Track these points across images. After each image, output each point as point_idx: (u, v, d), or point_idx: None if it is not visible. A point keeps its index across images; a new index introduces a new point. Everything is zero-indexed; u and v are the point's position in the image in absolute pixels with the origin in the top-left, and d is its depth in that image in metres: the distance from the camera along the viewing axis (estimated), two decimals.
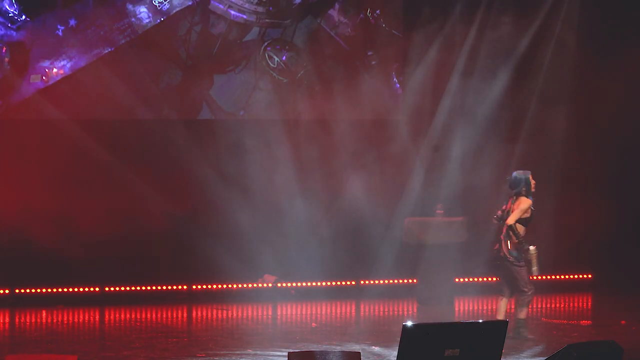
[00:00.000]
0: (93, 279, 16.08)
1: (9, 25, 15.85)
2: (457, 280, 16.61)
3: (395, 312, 16.26)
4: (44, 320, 15.13)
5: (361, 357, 7.98)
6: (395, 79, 17.31)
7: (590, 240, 16.77)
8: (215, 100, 16.81)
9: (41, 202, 15.46)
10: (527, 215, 12.52)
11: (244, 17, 16.68)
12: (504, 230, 12.55)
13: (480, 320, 7.55)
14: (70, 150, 15.96)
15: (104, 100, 16.17)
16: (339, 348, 12.25)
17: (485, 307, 16.53)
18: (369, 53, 17.19)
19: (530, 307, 13.08)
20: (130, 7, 16.32)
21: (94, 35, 16.18)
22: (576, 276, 17.66)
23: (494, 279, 17.16)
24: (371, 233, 16.57)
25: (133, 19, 16.32)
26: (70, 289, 16.08)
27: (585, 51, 16.91)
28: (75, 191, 15.70)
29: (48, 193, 15.48)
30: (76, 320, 15.25)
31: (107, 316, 15.40)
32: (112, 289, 16.22)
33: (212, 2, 16.54)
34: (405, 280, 16.94)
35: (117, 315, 15.48)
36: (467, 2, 16.95)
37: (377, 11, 17.11)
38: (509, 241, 12.47)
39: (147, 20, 16.37)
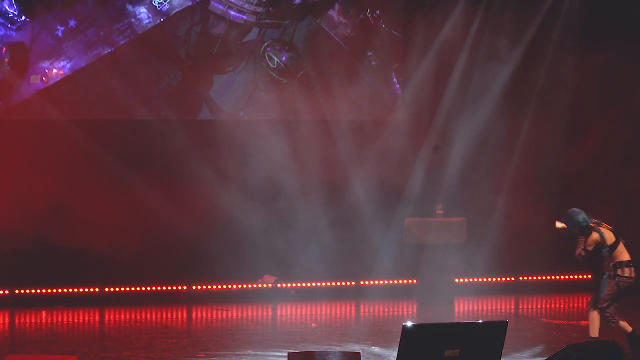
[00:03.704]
0: (93, 279, 16.09)
1: (9, 25, 15.85)
2: (457, 280, 16.61)
3: (395, 312, 16.26)
4: (44, 320, 15.13)
5: (361, 357, 7.98)
6: (395, 79, 17.31)
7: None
8: (215, 100, 16.81)
9: (41, 202, 15.46)
10: None
11: (244, 17, 16.68)
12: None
13: (480, 321, 7.55)
14: (69, 151, 15.96)
15: (103, 101, 16.18)
16: (339, 348, 12.25)
17: (485, 307, 16.53)
18: (369, 53, 17.19)
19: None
20: (130, 7, 16.32)
21: (94, 36, 16.18)
22: (576, 276, 17.65)
23: (494, 279, 17.22)
24: (371, 233, 16.57)
25: (133, 20, 16.32)
26: (70, 289, 16.09)
27: (585, 52, 16.90)
28: (75, 191, 15.68)
29: (48, 193, 15.47)
30: (76, 320, 15.25)
31: (107, 316, 15.40)
32: (112, 289, 16.22)
33: (211, 2, 16.54)
34: (405, 281, 16.94)
35: (117, 315, 15.48)
36: (467, 2, 16.95)
37: (377, 11, 17.11)
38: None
39: (147, 21, 16.37)
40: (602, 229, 11.76)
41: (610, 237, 11.74)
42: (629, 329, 11.84)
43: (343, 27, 17.09)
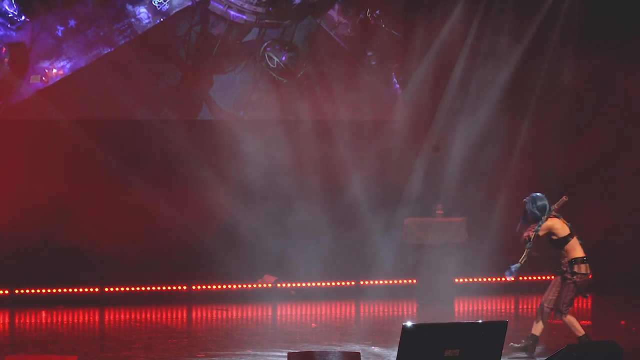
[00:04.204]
0: (93, 279, 16.09)
1: (9, 25, 15.85)
2: (457, 280, 16.61)
3: (395, 312, 16.26)
4: (43, 320, 15.13)
5: (361, 357, 7.97)
6: (395, 79, 17.31)
7: (590, 241, 16.73)
8: (215, 100, 16.81)
9: (40, 202, 15.46)
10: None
11: (244, 17, 16.68)
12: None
13: (480, 321, 7.55)
14: (69, 151, 15.96)
15: (103, 101, 16.18)
16: (339, 348, 12.25)
17: (485, 307, 16.53)
18: (369, 53, 17.19)
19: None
20: (129, 7, 16.31)
21: (94, 36, 16.18)
22: None
23: (494, 279, 17.21)
24: (371, 233, 16.57)
25: (133, 20, 16.31)
26: (70, 289, 16.09)
27: (585, 52, 16.90)
28: (75, 191, 15.69)
29: (47, 193, 15.48)
30: (76, 320, 15.25)
31: (107, 316, 15.40)
32: (112, 289, 16.22)
33: (211, 2, 16.54)
34: (405, 281, 16.94)
35: (117, 315, 15.48)
36: (467, 2, 16.96)
37: (377, 11, 17.11)
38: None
39: (147, 21, 16.37)
40: (558, 220, 11.74)
41: (564, 229, 11.74)
42: (538, 332, 11.89)
43: (343, 27, 17.09)
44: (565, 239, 11.70)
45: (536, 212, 11.71)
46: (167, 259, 16.31)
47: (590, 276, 11.86)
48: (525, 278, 17.34)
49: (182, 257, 16.37)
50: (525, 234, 11.68)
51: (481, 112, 16.97)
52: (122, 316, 15.47)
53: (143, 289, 16.33)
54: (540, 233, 11.64)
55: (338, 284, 16.92)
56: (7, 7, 15.80)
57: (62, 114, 15.89)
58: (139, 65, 16.19)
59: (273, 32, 16.90)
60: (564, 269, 11.73)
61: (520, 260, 11.65)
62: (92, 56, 16.19)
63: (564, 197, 11.82)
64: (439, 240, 15.99)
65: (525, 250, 11.63)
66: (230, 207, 16.18)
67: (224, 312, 15.77)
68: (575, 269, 11.70)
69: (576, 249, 11.73)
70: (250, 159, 16.28)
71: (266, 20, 16.77)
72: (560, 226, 11.72)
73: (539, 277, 17.27)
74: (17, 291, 15.93)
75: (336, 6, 17.04)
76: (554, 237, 11.72)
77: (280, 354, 12.00)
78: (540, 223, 11.63)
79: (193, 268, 16.42)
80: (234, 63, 16.80)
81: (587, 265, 11.77)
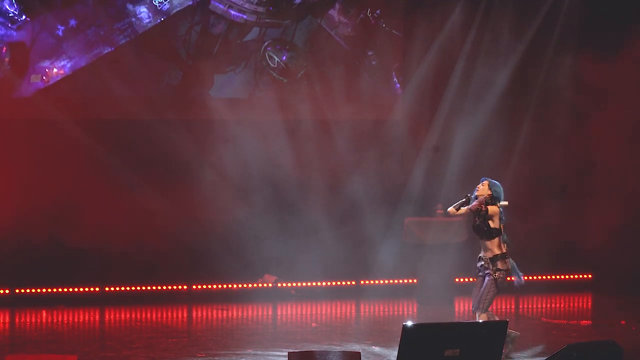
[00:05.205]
0: (93, 279, 16.09)
1: (9, 25, 15.85)
2: (457, 280, 16.61)
3: (395, 312, 16.26)
4: (44, 320, 15.13)
5: (361, 357, 7.98)
6: (395, 79, 17.32)
7: (590, 241, 16.76)
8: (215, 100, 16.81)
9: (41, 202, 15.47)
10: None
11: (244, 17, 16.68)
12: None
13: (480, 321, 7.56)
14: (69, 151, 15.96)
15: (104, 100, 16.18)
16: (339, 348, 12.25)
17: None
18: (369, 53, 17.19)
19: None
20: (130, 7, 16.32)
21: (94, 35, 16.18)
22: (576, 276, 17.65)
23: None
24: (371, 233, 16.57)
25: (133, 19, 16.32)
26: (70, 289, 16.09)
27: (585, 52, 16.91)
28: (75, 191, 15.69)
29: (48, 193, 15.48)
30: (76, 320, 15.25)
31: (107, 316, 15.40)
32: (112, 289, 16.22)
33: (212, 2, 16.54)
34: (405, 280, 16.94)
35: (117, 315, 15.48)
36: (467, 2, 16.97)
37: (377, 11, 17.12)
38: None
39: (147, 20, 16.38)
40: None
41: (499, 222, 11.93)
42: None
43: (343, 26, 17.10)
44: (499, 231, 11.86)
45: (493, 192, 11.90)
46: (168, 259, 16.30)
47: (509, 271, 11.95)
48: (525, 278, 17.32)
49: (183, 257, 16.37)
50: (477, 204, 11.80)
51: (481, 112, 16.97)
52: (122, 316, 15.47)
53: (143, 288, 16.33)
54: (500, 210, 11.79)
55: (338, 283, 16.93)
56: (7, 7, 15.80)
57: (63, 114, 15.89)
58: (140, 64, 16.20)
59: (273, 32, 16.91)
60: (486, 265, 11.83)
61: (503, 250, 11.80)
62: (93, 56, 16.20)
63: (506, 202, 12.02)
64: (439, 240, 15.99)
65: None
66: (230, 206, 16.18)
67: (224, 312, 15.77)
68: (499, 265, 11.81)
69: (501, 245, 11.89)
70: (250, 158, 16.28)
71: (266, 20, 16.78)
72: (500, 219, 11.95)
73: (539, 277, 17.30)
74: (17, 290, 15.94)
75: (337, 6, 17.04)
76: (492, 225, 11.82)
77: (280, 353, 12.01)
78: (498, 204, 11.84)
79: (193, 267, 16.42)
80: (235, 63, 16.80)
81: (508, 261, 11.88)
